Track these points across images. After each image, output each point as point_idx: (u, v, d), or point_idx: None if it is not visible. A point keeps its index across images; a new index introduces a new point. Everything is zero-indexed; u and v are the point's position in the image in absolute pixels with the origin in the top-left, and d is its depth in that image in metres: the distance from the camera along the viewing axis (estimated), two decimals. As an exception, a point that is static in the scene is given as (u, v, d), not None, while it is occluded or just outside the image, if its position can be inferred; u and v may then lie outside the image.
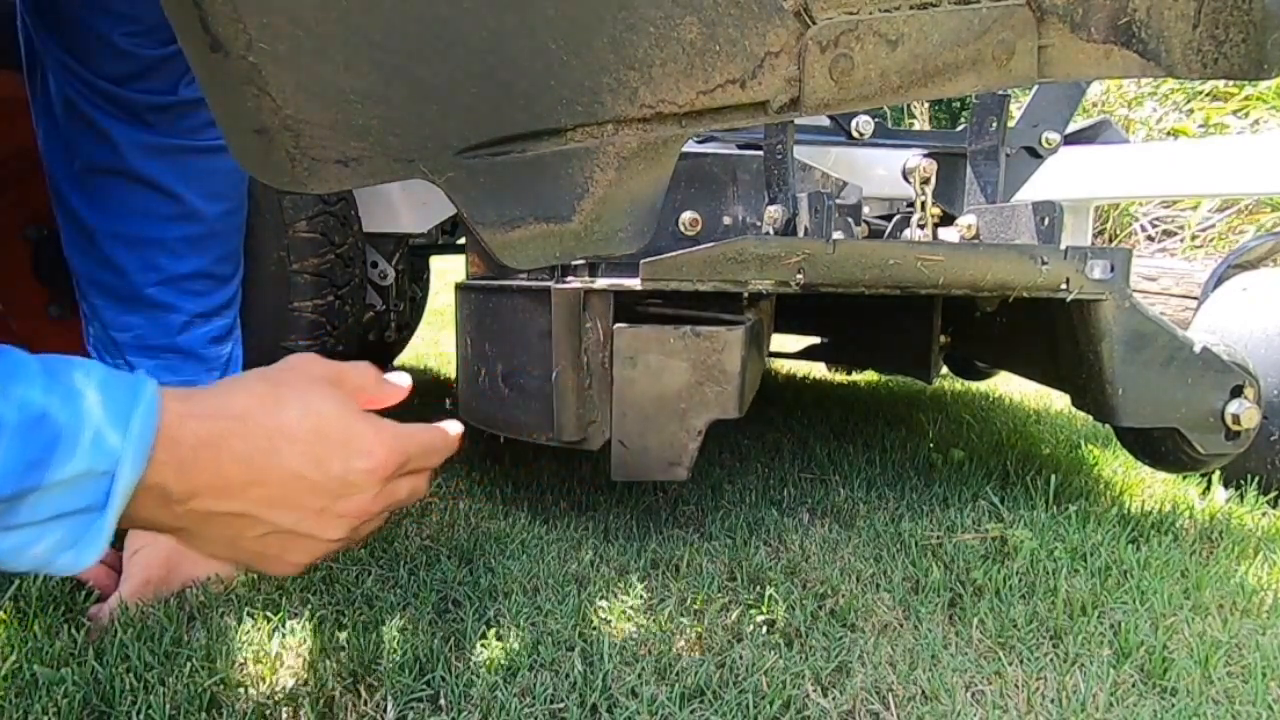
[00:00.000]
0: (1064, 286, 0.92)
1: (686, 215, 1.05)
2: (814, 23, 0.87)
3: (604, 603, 0.75)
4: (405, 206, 1.36)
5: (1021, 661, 0.67)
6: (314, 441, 0.43)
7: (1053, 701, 0.62)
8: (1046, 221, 0.95)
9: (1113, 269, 0.93)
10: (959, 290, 0.91)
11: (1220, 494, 1.17)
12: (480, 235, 0.83)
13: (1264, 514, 1.09)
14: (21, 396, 0.35)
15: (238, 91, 0.66)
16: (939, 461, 1.27)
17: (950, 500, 1.06)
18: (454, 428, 0.55)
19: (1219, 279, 1.35)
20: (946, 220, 1.40)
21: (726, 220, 1.11)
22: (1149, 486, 1.20)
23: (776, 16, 0.86)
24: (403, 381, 0.56)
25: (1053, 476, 1.10)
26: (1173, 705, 0.61)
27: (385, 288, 1.45)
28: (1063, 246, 0.92)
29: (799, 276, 0.87)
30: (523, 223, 0.84)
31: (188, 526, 0.42)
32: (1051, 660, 0.67)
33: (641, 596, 0.77)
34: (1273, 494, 1.14)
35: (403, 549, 0.86)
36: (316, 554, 0.45)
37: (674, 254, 0.86)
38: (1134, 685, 0.64)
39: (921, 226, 1.27)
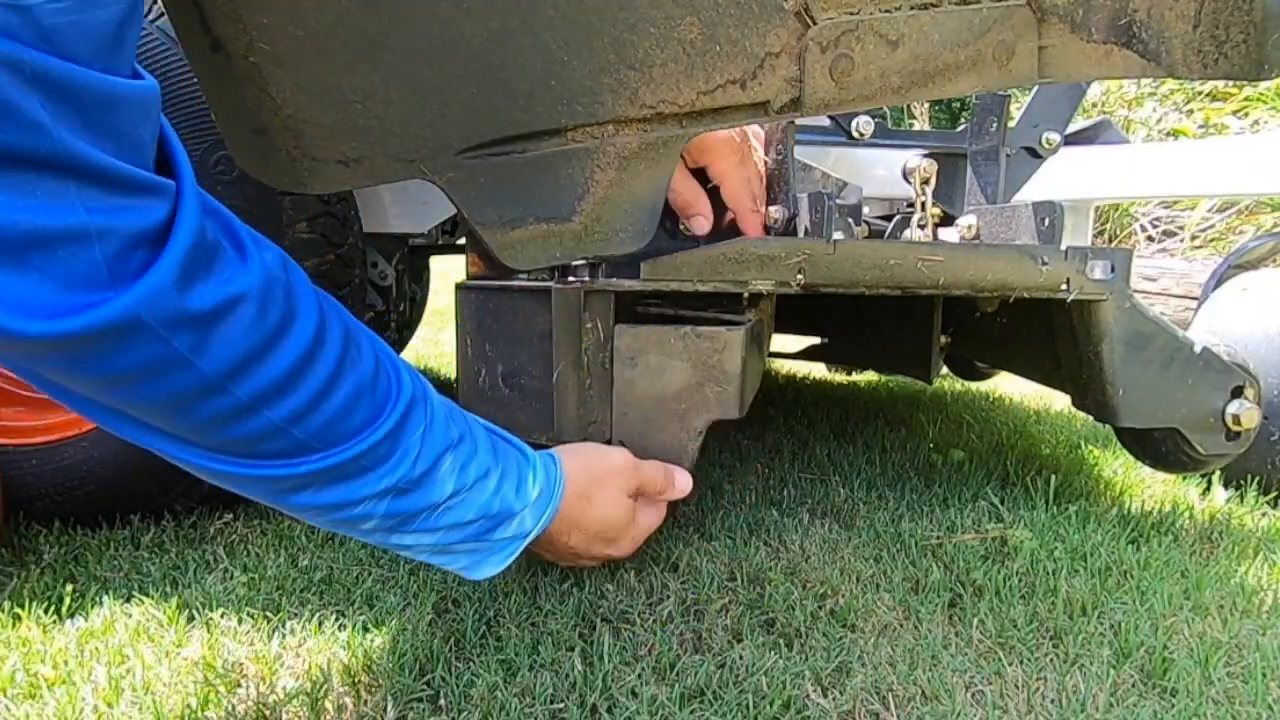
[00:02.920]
0: (1064, 287, 0.92)
1: (687, 215, 1.04)
2: (814, 23, 0.87)
3: (604, 603, 0.75)
4: (405, 206, 1.37)
5: (1021, 662, 0.67)
6: (604, 524, 0.74)
7: (1053, 702, 0.62)
8: (1047, 222, 0.95)
9: (1113, 269, 0.93)
10: (959, 291, 0.91)
11: (1220, 494, 1.17)
12: (481, 235, 0.83)
13: (1264, 514, 1.09)
14: (510, 502, 0.64)
15: (238, 91, 0.66)
16: (939, 462, 1.27)
17: (950, 500, 1.06)
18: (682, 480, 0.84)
19: (1219, 279, 1.35)
20: (947, 220, 1.40)
21: (728, 218, 1.11)
22: (1149, 487, 1.20)
23: (777, 17, 0.86)
24: (684, 483, 0.84)
25: (1053, 477, 1.10)
26: (1173, 706, 0.61)
27: (386, 288, 1.45)
28: (1063, 247, 0.92)
29: (799, 276, 0.87)
30: (523, 223, 0.84)
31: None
32: (1051, 660, 0.67)
33: (641, 596, 0.77)
34: (1273, 494, 1.14)
35: (403, 549, 0.86)
36: (595, 562, 0.79)
37: (674, 254, 0.86)
38: (1134, 685, 0.64)
39: (922, 226, 1.27)
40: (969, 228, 1.09)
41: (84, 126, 0.37)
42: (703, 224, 1.01)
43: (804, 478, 1.18)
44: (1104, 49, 0.90)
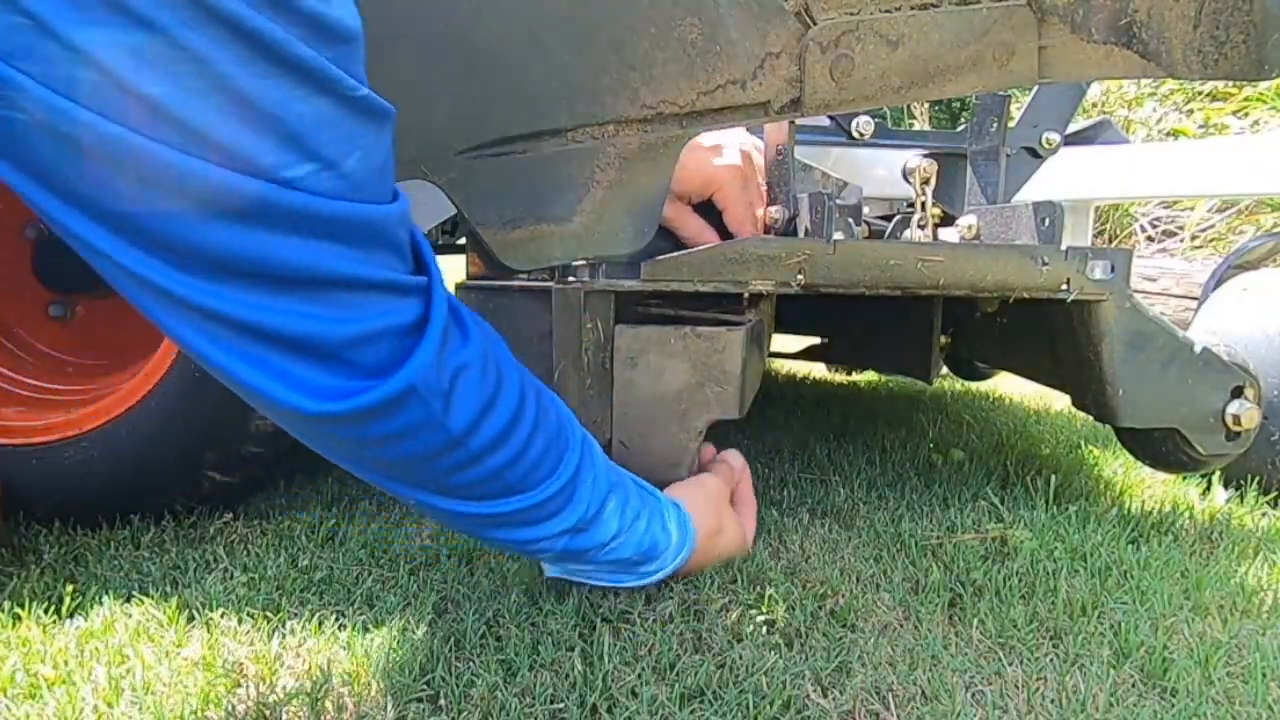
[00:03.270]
0: (1064, 287, 0.92)
1: (687, 215, 1.05)
2: (815, 23, 0.87)
3: (604, 603, 0.75)
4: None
5: (1021, 662, 0.67)
6: (729, 549, 0.83)
7: (1053, 702, 0.62)
8: (1047, 222, 0.95)
9: (1113, 269, 0.93)
10: (959, 291, 0.91)
11: (1220, 494, 1.17)
12: (481, 235, 0.83)
13: (1264, 514, 1.09)
14: (658, 539, 0.72)
15: None
16: (939, 462, 1.27)
17: (950, 500, 1.06)
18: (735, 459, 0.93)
19: (1219, 279, 1.35)
20: (947, 220, 1.40)
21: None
22: (1149, 487, 1.21)
23: (777, 17, 0.86)
24: (738, 462, 0.93)
25: (1053, 477, 1.11)
26: (1172, 706, 0.61)
27: (385, 288, 1.45)
28: (1063, 247, 0.92)
29: (799, 277, 0.87)
30: (523, 223, 0.84)
31: None
32: (1051, 660, 0.67)
33: (641, 598, 0.77)
34: (1273, 494, 1.14)
35: (402, 549, 0.86)
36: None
37: (675, 254, 0.86)
38: (1134, 685, 0.64)
39: (922, 227, 1.27)
40: (969, 228, 1.09)
41: (378, 248, 0.48)
42: None
43: (804, 478, 1.18)
44: (1104, 49, 0.90)
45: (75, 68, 0.36)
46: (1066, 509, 1.02)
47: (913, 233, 1.33)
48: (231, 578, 0.78)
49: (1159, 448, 1.04)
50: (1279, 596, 0.82)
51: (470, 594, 0.76)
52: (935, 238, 1.30)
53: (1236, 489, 1.17)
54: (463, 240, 1.70)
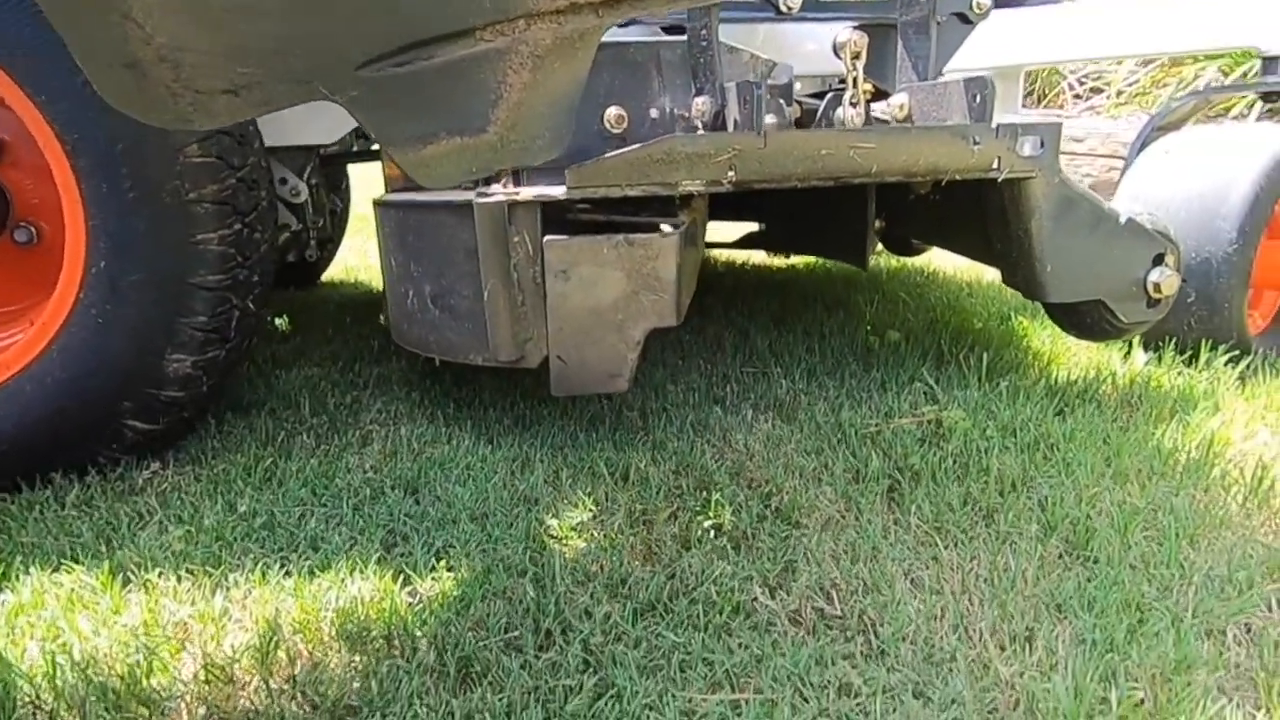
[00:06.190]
0: (995, 166, 0.91)
1: (611, 111, 0.99)
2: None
3: (554, 521, 0.75)
4: (310, 115, 1.27)
5: (956, 544, 0.70)
6: None
7: (985, 581, 0.65)
8: (979, 98, 0.93)
9: (1043, 145, 0.92)
10: (893, 177, 0.90)
11: (1140, 357, 1.21)
12: (392, 155, 0.77)
13: (1180, 374, 1.14)
14: None
15: (100, 21, 0.58)
16: (876, 345, 1.29)
17: (888, 384, 1.08)
18: None
19: (1144, 142, 1.35)
20: (879, 95, 1.36)
21: (653, 114, 1.06)
22: (1075, 355, 1.25)
23: (690, -112, 0.79)
24: None
25: (985, 354, 1.13)
26: (1095, 574, 0.65)
27: (299, 205, 1.36)
28: (994, 125, 0.91)
29: (730, 174, 0.84)
30: (436, 138, 0.78)
31: None
32: (984, 540, 0.70)
33: (591, 510, 0.77)
34: (1188, 354, 1.19)
35: (345, 484, 0.84)
36: None
37: (600, 158, 0.82)
38: (1060, 558, 0.68)
39: (854, 105, 1.23)
40: (901, 107, 1.06)
41: None
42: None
43: (746, 371, 1.19)
44: None
45: None
46: (998, 384, 1.05)
47: (845, 111, 1.30)
48: (167, 531, 0.76)
49: (1084, 319, 1.07)
50: (1191, 457, 0.87)
51: (418, 525, 0.75)
52: (868, 115, 1.27)
53: (1155, 350, 1.22)
54: (379, 146, 1.59)
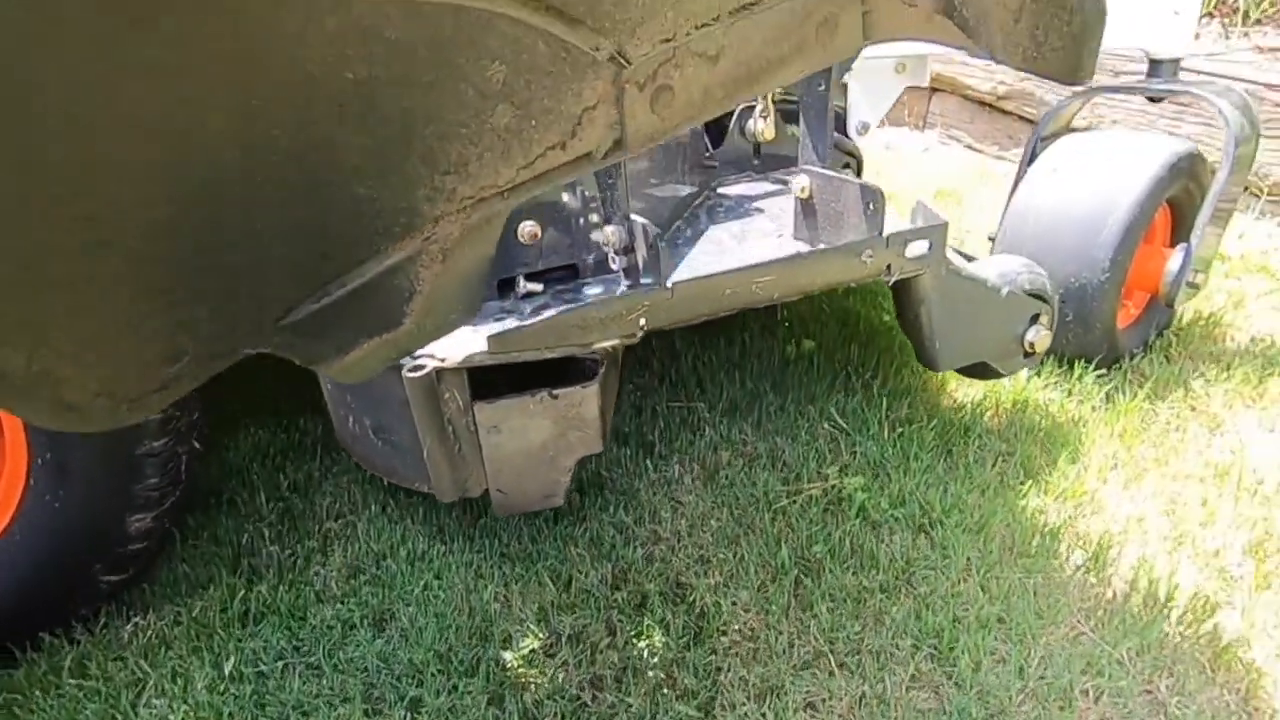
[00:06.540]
0: (887, 272, 0.99)
1: (526, 226, 1.02)
2: (629, 63, 0.82)
3: (509, 656, 0.87)
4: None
5: (844, 665, 0.85)
6: None
7: (866, 703, 0.80)
8: (871, 207, 0.98)
9: (930, 246, 1.00)
10: (793, 298, 0.97)
11: (1023, 371, 1.35)
12: (317, 372, 0.82)
13: (1054, 394, 1.28)
14: None
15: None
16: (792, 355, 1.39)
17: (799, 427, 1.20)
18: None
19: (1032, 154, 1.42)
20: (788, 102, 1.38)
21: (564, 235, 1.06)
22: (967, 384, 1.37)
23: (590, 71, 0.81)
24: None
25: (888, 378, 1.25)
26: (946, 699, 0.81)
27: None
28: (884, 235, 0.97)
29: (642, 324, 0.90)
30: (356, 345, 0.83)
31: None
32: (869, 653, 0.85)
33: (539, 639, 0.89)
34: (1065, 366, 1.33)
35: (318, 620, 0.93)
36: None
37: (519, 326, 0.87)
38: (923, 675, 0.83)
39: (765, 118, 1.28)
40: (803, 190, 1.10)
41: None
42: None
43: (672, 406, 1.28)
44: (925, 14, 0.89)
45: None
46: (897, 429, 1.18)
47: (755, 123, 1.33)
48: (163, 697, 0.85)
49: (970, 370, 1.19)
50: (1050, 523, 1.02)
51: (390, 673, 0.86)
52: (775, 129, 1.30)
53: (1039, 365, 1.35)
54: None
